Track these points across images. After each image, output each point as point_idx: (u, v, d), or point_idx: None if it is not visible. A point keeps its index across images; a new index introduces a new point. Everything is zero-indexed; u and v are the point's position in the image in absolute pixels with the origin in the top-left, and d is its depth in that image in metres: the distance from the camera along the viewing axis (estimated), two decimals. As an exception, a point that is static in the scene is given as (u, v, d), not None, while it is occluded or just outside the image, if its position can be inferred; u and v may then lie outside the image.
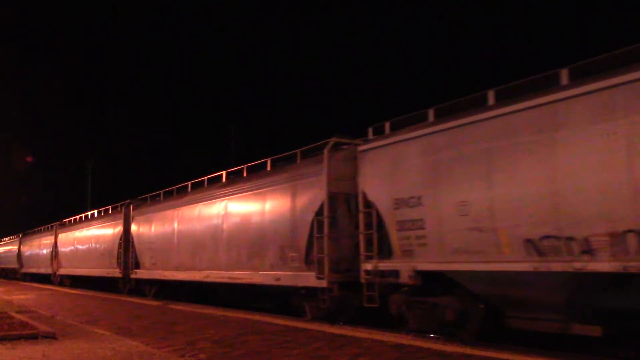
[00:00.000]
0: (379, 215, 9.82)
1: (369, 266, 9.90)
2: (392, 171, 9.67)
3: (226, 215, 14.80)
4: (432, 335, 9.06)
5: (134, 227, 20.41)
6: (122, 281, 21.26)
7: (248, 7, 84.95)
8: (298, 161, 12.80)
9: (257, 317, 11.69)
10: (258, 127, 73.49)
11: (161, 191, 20.35)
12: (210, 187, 16.62)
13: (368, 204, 10.09)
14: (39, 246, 34.80)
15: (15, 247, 41.99)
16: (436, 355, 6.92)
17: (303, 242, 11.51)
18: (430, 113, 9.43)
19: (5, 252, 45.97)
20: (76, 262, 27.20)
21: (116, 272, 21.35)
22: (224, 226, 14.79)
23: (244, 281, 13.68)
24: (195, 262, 16.08)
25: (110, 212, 24.27)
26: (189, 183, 18.22)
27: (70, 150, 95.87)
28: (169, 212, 18.12)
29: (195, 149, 77.51)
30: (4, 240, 48.60)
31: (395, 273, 9.35)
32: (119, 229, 21.37)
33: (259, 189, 13.58)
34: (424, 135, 9.18)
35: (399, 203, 9.37)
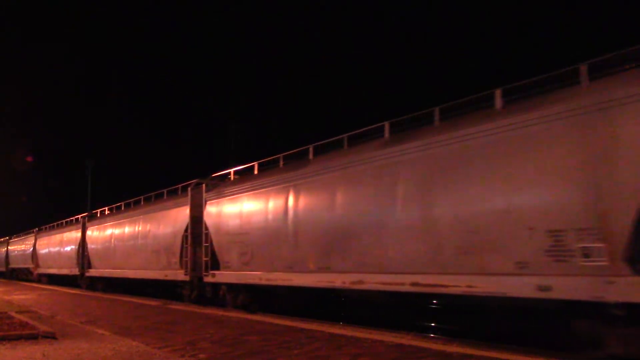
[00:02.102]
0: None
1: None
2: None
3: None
4: (432, 335, 9.07)
5: (210, 212, 15.53)
6: (190, 286, 16.43)
7: (248, 7, 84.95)
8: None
9: (257, 317, 11.70)
10: (258, 127, 73.45)
11: (243, 166, 15.69)
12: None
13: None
14: (61, 243, 30.45)
15: (29, 245, 37.97)
16: (436, 355, 6.92)
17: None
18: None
19: (17, 250, 42.11)
20: (114, 261, 22.60)
21: (179, 274, 16.78)
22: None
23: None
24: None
25: (165, 196, 19.62)
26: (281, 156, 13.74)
27: (70, 150, 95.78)
28: (274, 190, 12.92)
29: (196, 149, 77.52)
30: (16, 237, 44.40)
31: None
32: (183, 216, 16.82)
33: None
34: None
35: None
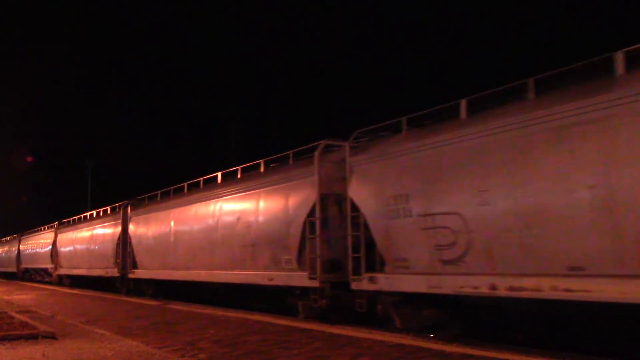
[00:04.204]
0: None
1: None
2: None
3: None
4: (432, 335, 9.07)
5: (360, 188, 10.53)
6: (320, 294, 11.02)
7: (248, 7, 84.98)
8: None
9: (257, 317, 11.69)
10: (258, 127, 73.43)
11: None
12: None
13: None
14: (91, 239, 25.03)
15: (47, 242, 32.65)
16: (436, 356, 6.92)
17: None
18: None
19: (32, 248, 36.68)
20: (173, 259, 17.14)
21: (295, 277, 11.66)
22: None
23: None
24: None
25: (291, 161, 12.86)
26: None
27: (70, 150, 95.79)
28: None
29: (195, 149, 77.52)
30: (29, 234, 38.73)
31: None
32: (307, 194, 11.54)
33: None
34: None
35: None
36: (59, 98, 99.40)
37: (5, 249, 46.15)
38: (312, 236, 11.17)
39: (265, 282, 12.59)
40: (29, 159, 60.63)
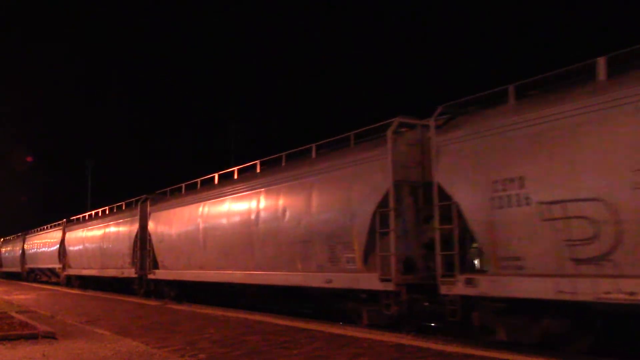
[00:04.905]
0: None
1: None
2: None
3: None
4: (432, 335, 9.06)
5: None
6: (395, 300, 9.66)
7: (248, 7, 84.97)
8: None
9: (257, 317, 11.68)
10: (258, 127, 73.45)
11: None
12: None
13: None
14: (104, 237, 23.14)
15: (54, 241, 30.91)
16: (436, 355, 6.91)
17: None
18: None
19: (37, 247, 35.08)
20: (203, 258, 15.36)
21: (374, 281, 9.94)
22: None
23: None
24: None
25: (334, 152, 11.72)
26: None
27: (70, 150, 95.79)
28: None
29: (196, 149, 77.50)
30: (34, 232, 37.10)
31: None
32: (375, 184, 10.12)
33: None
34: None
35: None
36: (59, 98, 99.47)
37: (9, 248, 44.91)
38: (384, 230, 9.56)
39: (321, 284, 10.92)
40: (29, 159, 60.58)
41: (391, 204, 9.49)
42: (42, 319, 11.75)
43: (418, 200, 9.72)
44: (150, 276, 18.58)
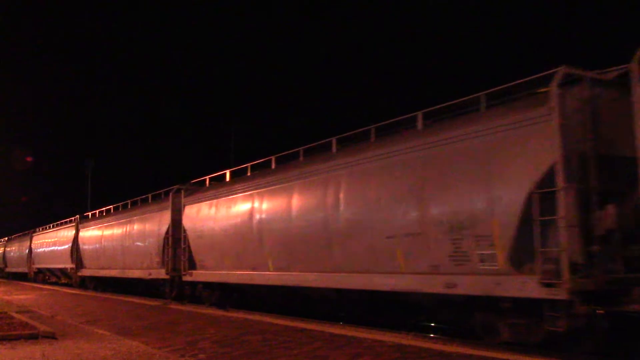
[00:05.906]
0: None
1: None
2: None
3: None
4: (432, 335, 9.03)
5: None
6: (554, 306, 7.20)
7: (248, 7, 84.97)
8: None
9: (257, 317, 11.67)
10: (258, 127, 73.46)
11: None
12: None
13: None
14: (125, 234, 20.68)
15: (66, 239, 28.33)
16: (436, 356, 6.90)
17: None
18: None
19: (46, 246, 32.45)
20: (259, 257, 12.82)
21: (531, 287, 7.45)
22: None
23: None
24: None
25: (450, 120, 9.41)
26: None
27: (70, 150, 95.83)
28: None
29: (196, 149, 77.51)
30: (42, 231, 34.59)
31: None
32: (530, 157, 7.79)
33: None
34: None
35: None
36: (59, 98, 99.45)
37: (15, 247, 42.16)
38: (546, 218, 7.13)
39: (437, 289, 8.46)
40: (29, 159, 60.56)
41: (561, 182, 7.02)
42: (42, 319, 11.76)
43: (589, 179, 7.28)
44: (186, 278, 15.97)
